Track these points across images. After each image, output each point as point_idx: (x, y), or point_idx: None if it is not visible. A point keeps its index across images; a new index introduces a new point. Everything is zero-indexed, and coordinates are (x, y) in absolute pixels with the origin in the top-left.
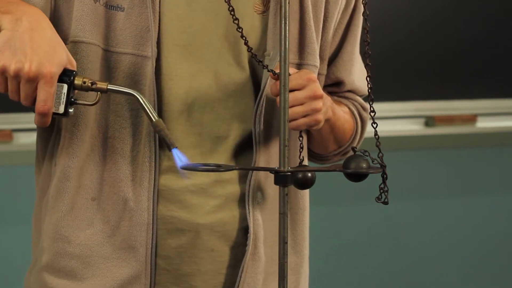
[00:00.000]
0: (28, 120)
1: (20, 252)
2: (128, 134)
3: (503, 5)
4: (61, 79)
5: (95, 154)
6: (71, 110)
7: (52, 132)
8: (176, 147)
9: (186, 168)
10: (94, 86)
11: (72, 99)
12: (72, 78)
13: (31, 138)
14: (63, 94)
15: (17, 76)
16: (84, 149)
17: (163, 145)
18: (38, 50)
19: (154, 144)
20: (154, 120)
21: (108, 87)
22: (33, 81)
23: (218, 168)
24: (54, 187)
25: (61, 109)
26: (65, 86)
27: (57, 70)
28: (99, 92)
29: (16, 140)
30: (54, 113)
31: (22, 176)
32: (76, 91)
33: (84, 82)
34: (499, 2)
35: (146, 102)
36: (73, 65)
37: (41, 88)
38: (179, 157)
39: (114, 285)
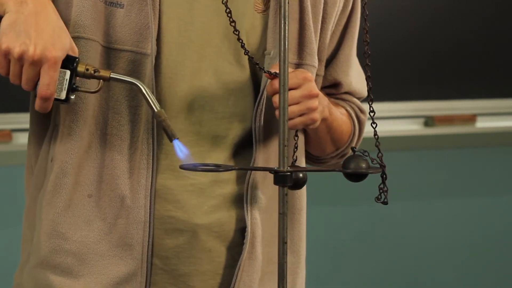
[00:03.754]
0: (27, 120)
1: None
2: (126, 131)
3: (503, 5)
4: (63, 65)
5: (93, 151)
6: (72, 97)
7: (47, 128)
8: (177, 138)
9: (185, 168)
10: (96, 74)
11: (74, 86)
12: (75, 64)
13: None
14: (65, 80)
15: (20, 59)
16: (82, 146)
17: (161, 143)
18: (43, 34)
19: (152, 142)
20: (156, 110)
21: (111, 75)
22: (37, 64)
23: (217, 168)
24: (51, 182)
25: (63, 95)
26: (68, 72)
27: (61, 55)
28: (101, 80)
29: (16, 140)
30: (55, 99)
31: (21, 176)
32: (77, 78)
33: (87, 69)
34: (499, 2)
35: (148, 92)
36: (75, 52)
37: (44, 72)
38: (180, 148)
39: (110, 283)
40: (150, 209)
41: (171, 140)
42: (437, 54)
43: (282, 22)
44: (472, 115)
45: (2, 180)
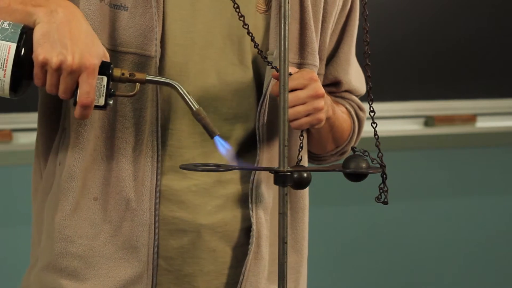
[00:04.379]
0: (27, 120)
1: (20, 252)
2: (130, 134)
3: (503, 5)
4: (99, 72)
5: (98, 154)
6: (110, 102)
7: (56, 131)
8: (218, 135)
9: (186, 168)
10: (132, 78)
11: (111, 91)
12: (110, 70)
13: (30, 138)
14: (103, 86)
15: (59, 69)
16: (89, 149)
17: (165, 145)
18: (78, 42)
19: (156, 144)
20: (194, 108)
21: (147, 78)
22: (76, 73)
23: (217, 168)
24: (58, 186)
25: (101, 101)
26: (105, 78)
27: (98, 62)
28: (138, 83)
29: (16, 140)
30: (95, 106)
31: (21, 176)
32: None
33: (123, 74)
34: (499, 2)
35: (185, 92)
36: (107, 58)
37: (83, 81)
38: (222, 144)
39: (116, 285)
40: (155, 211)
41: (212, 137)
42: (437, 54)
43: (282, 21)
44: (472, 115)
45: (2, 180)
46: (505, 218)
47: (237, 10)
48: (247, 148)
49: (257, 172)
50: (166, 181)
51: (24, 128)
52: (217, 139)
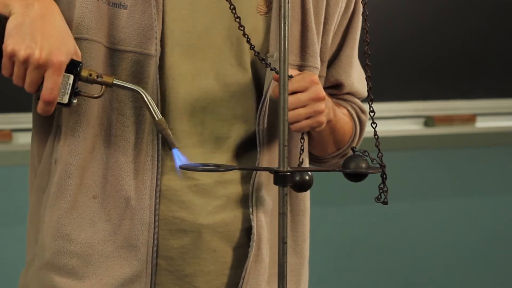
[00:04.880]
0: (27, 120)
1: (20, 252)
2: (130, 132)
3: (503, 5)
4: (67, 69)
5: (97, 152)
6: (74, 101)
7: (50, 129)
8: (177, 147)
9: (185, 168)
10: (99, 79)
11: (76, 90)
12: (78, 69)
13: (30, 138)
14: (68, 85)
15: (25, 62)
16: (86, 147)
17: (165, 145)
18: (48, 38)
19: (157, 143)
20: (156, 118)
21: (113, 82)
22: (42, 68)
23: (217, 168)
24: (55, 184)
25: (65, 99)
26: (71, 77)
27: (66, 60)
28: (104, 86)
29: (16, 140)
30: (57, 103)
31: (21, 176)
32: (79, 82)
33: (90, 75)
34: (499, 2)
35: (150, 100)
36: (78, 57)
37: (48, 77)
38: (179, 157)
39: (115, 284)
40: (155, 210)
41: (170, 149)
42: (437, 54)
43: (282, 22)
44: (472, 115)
45: (2, 180)
46: (505, 218)
47: (233, 11)
48: (246, 150)
49: (257, 174)
50: (167, 181)
51: (24, 128)
52: (175, 151)
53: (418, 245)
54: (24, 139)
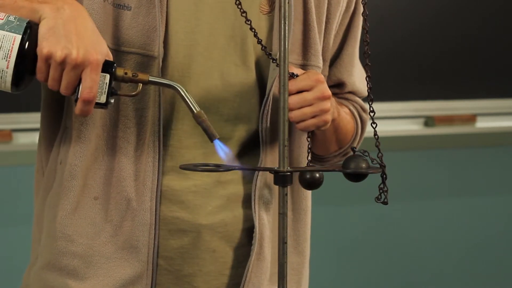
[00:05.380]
0: (27, 120)
1: (21, 252)
2: (132, 134)
3: (503, 5)
4: (102, 69)
5: (100, 153)
6: (112, 101)
7: (58, 130)
8: (218, 138)
9: (186, 168)
10: (135, 77)
11: (113, 90)
12: (113, 68)
13: (30, 138)
14: (105, 84)
15: (63, 63)
16: (90, 148)
17: (167, 145)
18: (83, 38)
19: (158, 144)
20: (195, 111)
21: (149, 79)
22: (79, 68)
23: (217, 168)
24: (60, 185)
25: (103, 99)
26: (108, 76)
27: (102, 59)
28: (140, 84)
29: (16, 140)
30: (96, 103)
31: (21, 176)
32: (114, 82)
33: (126, 73)
34: (499, 2)
35: (187, 94)
36: (110, 57)
37: (86, 76)
38: (222, 148)
39: (116, 285)
40: (155, 211)
41: (211, 140)
42: (438, 54)
43: (282, 22)
44: (472, 115)
45: (2, 180)
46: (505, 218)
47: (239, 6)
48: (249, 149)
49: (260, 173)
50: (167, 181)
51: (24, 128)
52: (217, 142)
53: (418, 245)
54: (24, 139)
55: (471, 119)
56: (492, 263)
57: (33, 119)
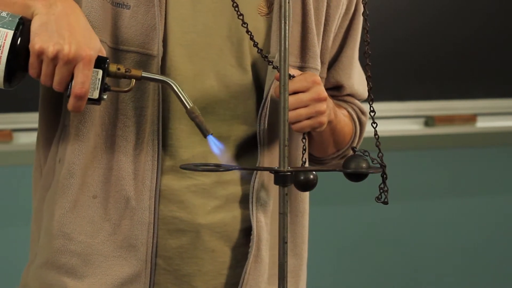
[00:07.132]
0: (28, 120)
1: (21, 252)
2: (131, 132)
3: (503, 5)
4: (95, 65)
5: (98, 152)
6: (104, 97)
7: (56, 129)
8: (211, 134)
9: (186, 168)
10: (128, 73)
11: (106, 86)
12: (106, 64)
13: (30, 138)
14: (98, 80)
15: (55, 58)
16: (89, 147)
17: (166, 145)
18: (75, 34)
19: (157, 143)
20: (188, 106)
21: (142, 75)
22: (71, 63)
23: (217, 168)
24: (58, 183)
25: (96, 95)
26: (100, 72)
27: (94, 54)
28: (133, 80)
29: (16, 140)
30: (88, 99)
31: (21, 176)
32: (107, 78)
33: (119, 69)
34: (499, 2)
35: (180, 90)
36: (103, 53)
37: (79, 71)
38: (215, 144)
39: (114, 284)
40: (154, 210)
41: (205, 136)
42: (438, 54)
43: (282, 22)
44: (472, 115)
45: (2, 180)
46: (505, 218)
47: (236, 8)
48: (246, 150)
49: (258, 174)
50: (166, 181)
51: (24, 128)
52: (210, 138)
53: (417, 245)
54: (24, 139)
55: (471, 119)
56: (492, 263)
57: (33, 119)
